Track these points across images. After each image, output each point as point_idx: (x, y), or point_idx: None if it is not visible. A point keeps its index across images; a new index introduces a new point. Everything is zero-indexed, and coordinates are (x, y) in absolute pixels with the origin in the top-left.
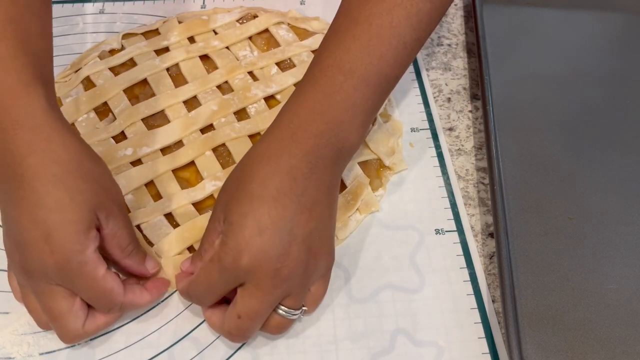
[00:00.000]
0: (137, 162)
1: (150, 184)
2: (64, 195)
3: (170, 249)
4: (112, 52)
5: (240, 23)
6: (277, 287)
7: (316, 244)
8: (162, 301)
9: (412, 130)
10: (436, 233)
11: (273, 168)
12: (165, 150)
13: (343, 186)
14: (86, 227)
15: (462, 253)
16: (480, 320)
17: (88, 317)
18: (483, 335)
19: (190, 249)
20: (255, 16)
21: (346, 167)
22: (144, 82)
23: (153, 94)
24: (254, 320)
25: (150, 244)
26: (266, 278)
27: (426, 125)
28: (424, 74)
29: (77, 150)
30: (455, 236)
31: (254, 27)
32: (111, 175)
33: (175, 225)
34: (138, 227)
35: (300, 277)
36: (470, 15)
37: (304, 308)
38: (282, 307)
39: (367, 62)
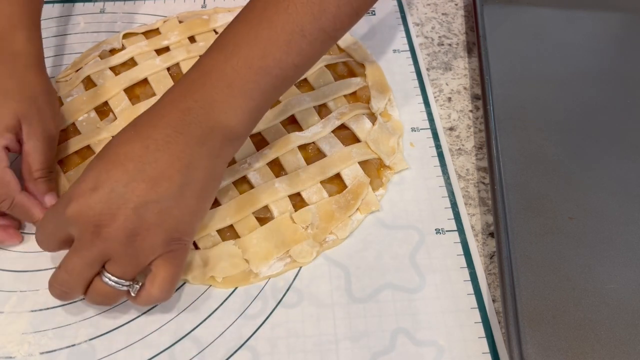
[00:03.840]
0: None
1: None
2: None
3: None
4: (113, 51)
5: None
6: (95, 245)
7: (151, 218)
8: None
9: (413, 129)
10: (436, 233)
11: (132, 135)
12: None
13: (343, 185)
14: (3, 126)
15: (462, 253)
16: (480, 320)
17: None
18: (483, 334)
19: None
20: None
21: (232, 154)
22: (145, 81)
23: (153, 94)
24: (71, 275)
25: None
26: (85, 232)
27: (427, 125)
28: (424, 73)
29: (30, 68)
30: (455, 236)
31: None
32: (53, 106)
33: None
34: None
35: (123, 245)
36: (471, 15)
37: (136, 285)
38: (107, 274)
39: (251, 43)
